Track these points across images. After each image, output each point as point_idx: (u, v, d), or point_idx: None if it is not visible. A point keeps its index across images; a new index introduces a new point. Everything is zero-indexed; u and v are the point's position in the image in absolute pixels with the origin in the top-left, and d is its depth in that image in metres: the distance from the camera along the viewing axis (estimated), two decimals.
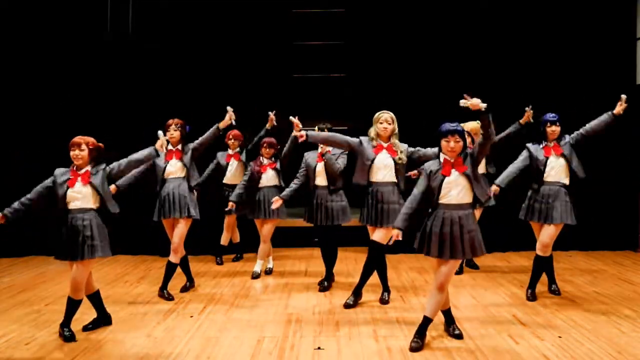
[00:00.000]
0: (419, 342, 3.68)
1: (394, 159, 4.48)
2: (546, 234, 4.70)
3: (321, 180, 5.08)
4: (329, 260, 5.30)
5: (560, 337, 3.84)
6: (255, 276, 5.71)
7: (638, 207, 7.00)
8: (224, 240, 6.48)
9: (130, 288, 5.35)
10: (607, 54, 6.90)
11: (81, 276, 3.85)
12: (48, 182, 3.89)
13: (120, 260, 6.51)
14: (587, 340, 3.76)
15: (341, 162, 5.00)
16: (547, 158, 4.73)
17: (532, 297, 4.80)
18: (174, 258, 4.94)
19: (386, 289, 4.83)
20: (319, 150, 5.00)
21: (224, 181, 6.30)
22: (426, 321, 3.73)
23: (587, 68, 6.89)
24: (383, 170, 4.50)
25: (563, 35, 6.90)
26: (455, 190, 3.59)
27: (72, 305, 3.95)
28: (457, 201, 3.60)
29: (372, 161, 4.49)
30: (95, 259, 3.86)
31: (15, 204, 3.85)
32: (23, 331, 4.08)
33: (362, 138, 4.59)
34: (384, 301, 4.75)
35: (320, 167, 5.07)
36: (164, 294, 4.95)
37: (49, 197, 3.88)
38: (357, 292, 4.70)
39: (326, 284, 5.26)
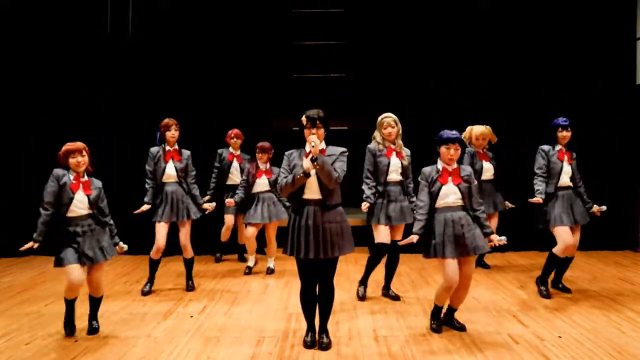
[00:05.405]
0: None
1: (401, 161, 4.73)
2: (577, 236, 4.82)
3: (312, 192, 3.59)
4: (325, 315, 3.78)
5: (560, 337, 3.84)
6: (247, 272, 5.90)
7: (638, 207, 7.00)
8: (223, 237, 6.40)
9: (131, 288, 5.35)
10: (607, 54, 6.90)
11: (101, 276, 4.03)
12: (53, 186, 3.80)
13: (120, 260, 6.50)
14: (587, 340, 3.76)
15: (339, 167, 3.55)
16: (562, 162, 4.77)
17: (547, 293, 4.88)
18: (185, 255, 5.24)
19: (366, 281, 4.94)
20: (308, 148, 3.52)
21: (226, 182, 6.26)
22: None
23: (587, 68, 6.89)
24: (395, 171, 4.72)
25: (563, 35, 6.90)
26: (454, 195, 3.80)
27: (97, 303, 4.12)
28: (454, 203, 3.80)
29: (388, 165, 4.69)
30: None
31: (40, 226, 3.82)
32: (23, 331, 4.08)
33: (369, 147, 4.77)
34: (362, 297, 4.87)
35: (310, 175, 3.52)
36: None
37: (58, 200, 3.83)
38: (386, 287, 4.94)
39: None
